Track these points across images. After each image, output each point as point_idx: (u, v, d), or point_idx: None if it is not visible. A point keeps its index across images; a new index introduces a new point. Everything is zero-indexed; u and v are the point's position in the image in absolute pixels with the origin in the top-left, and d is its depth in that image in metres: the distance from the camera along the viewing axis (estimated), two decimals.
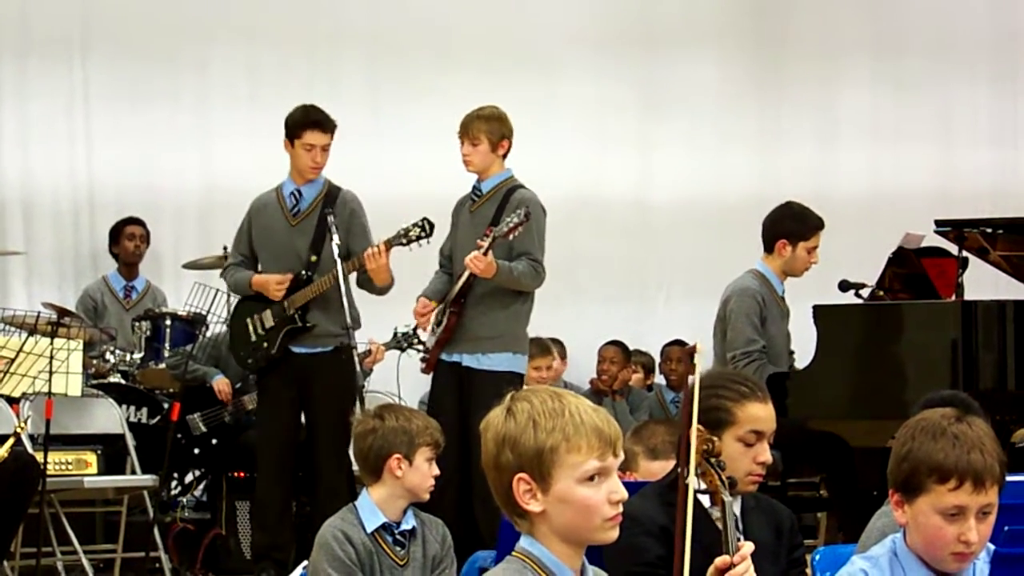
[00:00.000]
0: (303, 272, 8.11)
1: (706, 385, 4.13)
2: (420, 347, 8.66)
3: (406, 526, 5.08)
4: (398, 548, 5.03)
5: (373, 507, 5.05)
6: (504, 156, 8.00)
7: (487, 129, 7.93)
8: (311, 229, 8.14)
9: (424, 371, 8.10)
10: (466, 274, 7.78)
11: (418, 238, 7.90)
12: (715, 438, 3.74)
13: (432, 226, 7.89)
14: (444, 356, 7.92)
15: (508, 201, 7.88)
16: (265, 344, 8.13)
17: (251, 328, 8.16)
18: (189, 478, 9.63)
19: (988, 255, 8.12)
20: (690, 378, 3.72)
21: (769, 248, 8.11)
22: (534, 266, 7.85)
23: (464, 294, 7.88)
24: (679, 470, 3.45)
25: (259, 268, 8.23)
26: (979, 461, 3.46)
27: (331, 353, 8.08)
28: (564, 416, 2.99)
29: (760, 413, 4.14)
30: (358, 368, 7.80)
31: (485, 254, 7.63)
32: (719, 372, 4.40)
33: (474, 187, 8.05)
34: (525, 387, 3.19)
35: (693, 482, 3.48)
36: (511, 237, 7.70)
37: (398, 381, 9.38)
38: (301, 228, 8.16)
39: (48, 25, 10.92)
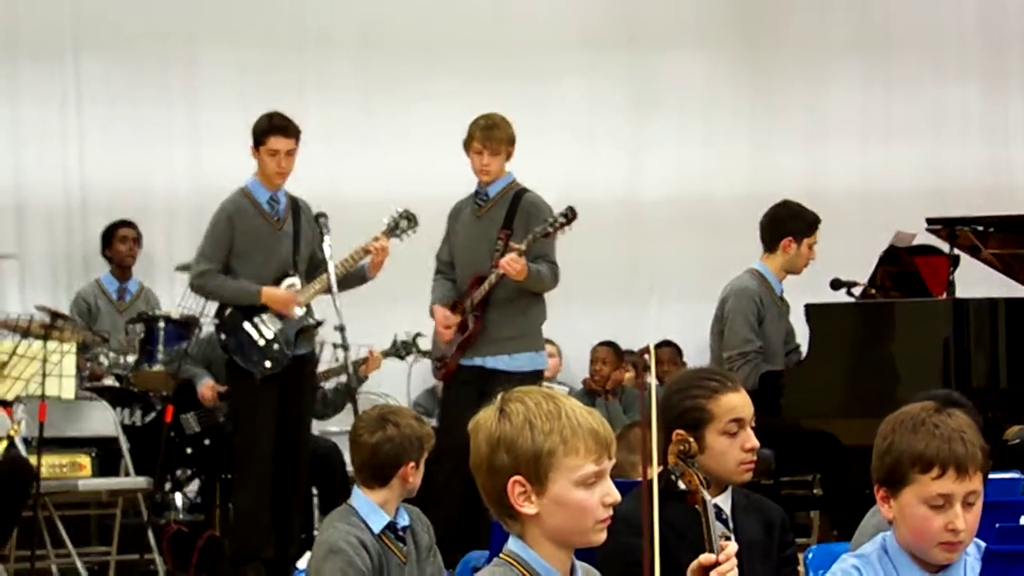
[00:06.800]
0: (293, 273, 8.16)
1: (677, 389, 4.19)
2: (422, 355, 8.62)
3: (403, 522, 5.10)
4: (400, 544, 5.04)
5: (375, 507, 5.03)
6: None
7: (506, 139, 8.00)
8: (291, 233, 8.22)
9: (441, 377, 8.09)
10: (493, 277, 7.80)
11: (408, 229, 7.98)
12: (691, 439, 3.79)
13: (415, 217, 7.94)
14: (464, 361, 7.94)
15: (519, 204, 7.94)
16: (276, 346, 8.12)
17: (256, 332, 8.14)
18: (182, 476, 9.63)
19: (980, 253, 8.12)
20: (647, 381, 3.76)
21: (771, 247, 8.11)
22: (554, 270, 7.99)
23: (487, 299, 7.89)
24: (644, 470, 3.46)
25: (235, 273, 8.17)
26: (960, 448, 3.48)
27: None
28: (561, 418, 2.97)
29: (735, 401, 4.20)
30: (350, 371, 7.82)
31: (522, 255, 7.70)
32: (686, 373, 4.44)
33: (479, 192, 8.06)
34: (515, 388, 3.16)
35: (655, 480, 3.49)
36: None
37: (409, 388, 9.51)
38: (285, 232, 8.21)
39: (39, 27, 10.90)
